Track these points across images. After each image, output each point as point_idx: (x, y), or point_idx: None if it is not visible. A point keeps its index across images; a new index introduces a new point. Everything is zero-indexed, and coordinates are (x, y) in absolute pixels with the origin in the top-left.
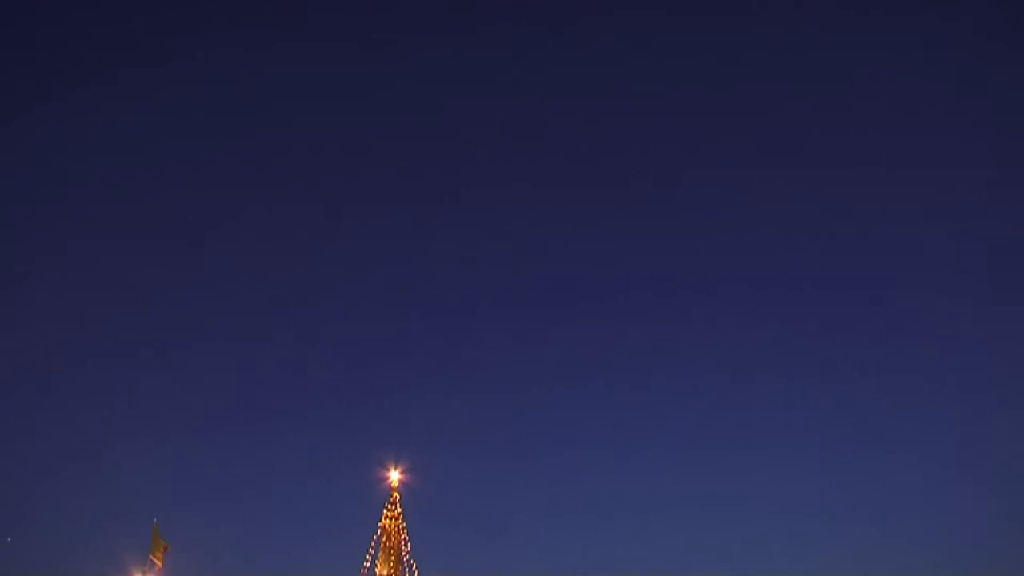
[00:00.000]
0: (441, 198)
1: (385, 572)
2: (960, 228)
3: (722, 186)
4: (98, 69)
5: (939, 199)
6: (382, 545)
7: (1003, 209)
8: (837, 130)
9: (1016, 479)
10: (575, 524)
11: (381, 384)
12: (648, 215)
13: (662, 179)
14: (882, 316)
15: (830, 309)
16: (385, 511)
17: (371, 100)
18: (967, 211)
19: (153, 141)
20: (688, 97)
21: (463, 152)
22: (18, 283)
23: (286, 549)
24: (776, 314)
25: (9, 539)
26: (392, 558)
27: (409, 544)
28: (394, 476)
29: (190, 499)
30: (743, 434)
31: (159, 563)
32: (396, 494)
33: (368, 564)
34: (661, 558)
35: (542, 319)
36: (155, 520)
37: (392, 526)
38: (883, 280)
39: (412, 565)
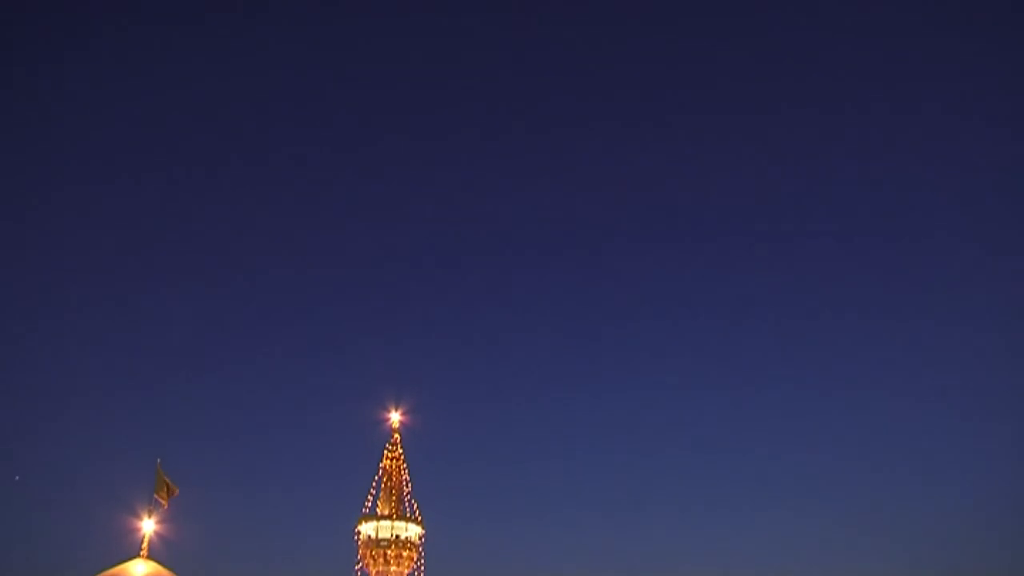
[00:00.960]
0: (443, 136)
1: (387, 511)
2: None
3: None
4: None
5: None
6: (383, 485)
7: None
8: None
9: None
10: (574, 464)
11: (382, 326)
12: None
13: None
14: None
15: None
16: (386, 452)
17: None
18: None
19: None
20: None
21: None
22: (24, 232)
23: (289, 489)
24: None
25: (18, 478)
26: (393, 498)
27: (410, 484)
28: (395, 417)
29: (193, 440)
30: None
31: (165, 503)
32: (397, 435)
33: (370, 504)
34: (662, 498)
35: (543, 266)
36: (158, 460)
37: (393, 466)
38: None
39: (413, 504)
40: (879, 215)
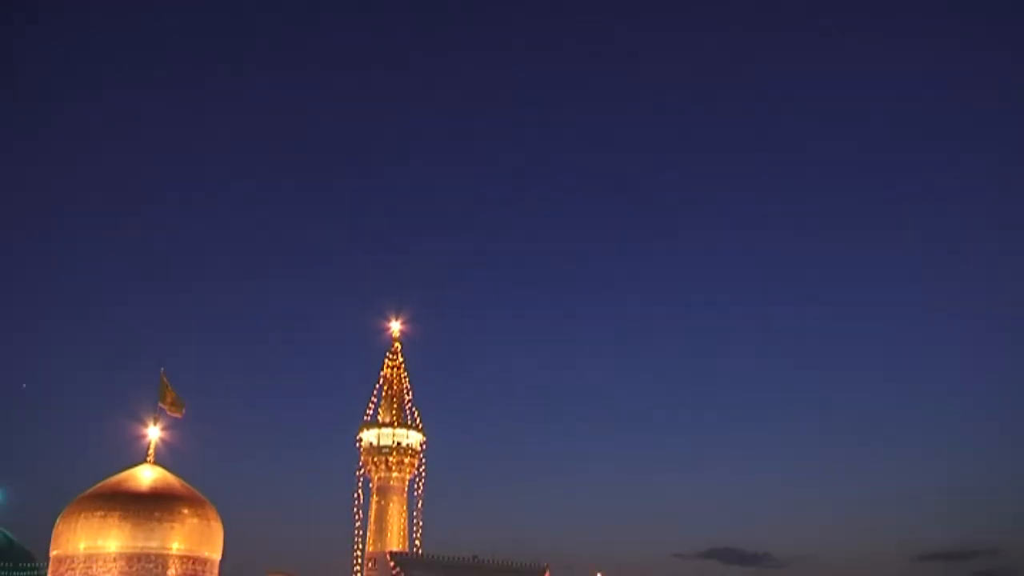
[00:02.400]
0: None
1: (388, 419)
2: None
3: None
4: None
5: None
6: (384, 393)
7: None
8: None
9: None
10: (574, 372)
11: (383, 234)
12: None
13: None
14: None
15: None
16: (387, 360)
17: None
18: None
19: None
20: None
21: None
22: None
23: (291, 398)
24: None
25: (25, 386)
26: (394, 406)
27: (411, 392)
28: (395, 326)
29: (198, 351)
30: None
31: (169, 411)
32: (397, 344)
33: (371, 411)
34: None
35: (543, 177)
36: (162, 369)
37: (393, 375)
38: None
39: (414, 412)
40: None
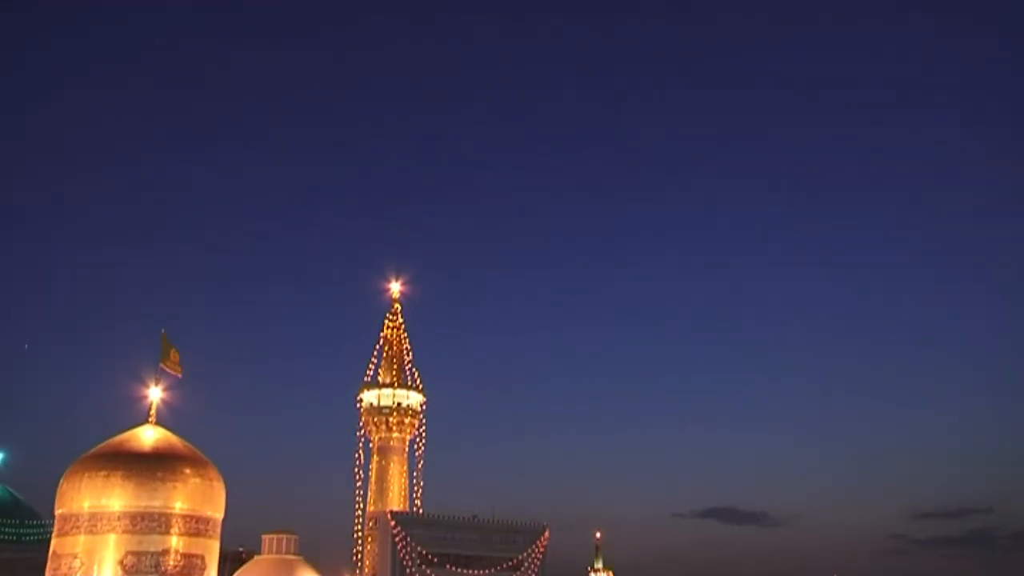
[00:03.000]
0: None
1: (388, 380)
2: None
3: None
4: None
5: None
6: (384, 354)
7: None
8: None
9: None
10: (573, 334)
11: (383, 196)
12: None
13: None
14: None
15: None
16: (387, 321)
17: None
18: None
19: None
20: None
21: None
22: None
23: (293, 359)
24: None
25: (27, 346)
26: (394, 366)
27: (411, 353)
28: (395, 287)
29: (199, 312)
30: None
31: (171, 371)
32: (397, 305)
33: (371, 372)
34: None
35: (542, 140)
36: (163, 329)
37: (394, 335)
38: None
39: (414, 373)
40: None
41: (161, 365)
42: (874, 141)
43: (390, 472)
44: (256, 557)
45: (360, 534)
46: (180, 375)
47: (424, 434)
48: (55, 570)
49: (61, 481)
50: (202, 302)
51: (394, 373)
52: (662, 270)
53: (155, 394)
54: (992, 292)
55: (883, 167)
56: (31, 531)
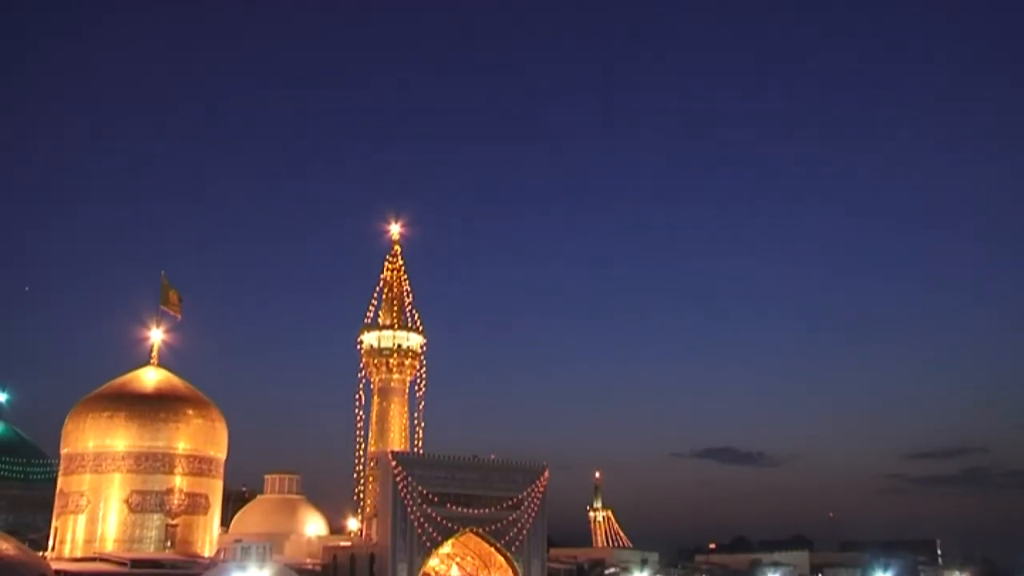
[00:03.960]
0: None
1: (388, 321)
2: None
3: None
4: None
5: None
6: (384, 296)
7: None
8: None
9: None
10: (572, 277)
11: (384, 138)
12: None
13: None
14: None
15: None
16: (387, 263)
17: None
18: None
19: None
20: None
21: None
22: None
23: (293, 301)
24: None
25: (27, 288)
26: (395, 308)
27: (411, 294)
28: (394, 229)
29: (199, 255)
30: None
31: (171, 313)
32: (397, 246)
33: (371, 314)
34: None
35: (541, 78)
36: (163, 271)
37: (393, 277)
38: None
39: (414, 314)
40: None
41: (162, 307)
42: (872, 83)
43: (391, 413)
44: (259, 496)
45: (361, 474)
46: (179, 317)
47: (424, 375)
48: (63, 507)
49: (65, 421)
50: (203, 245)
51: (394, 315)
52: (660, 214)
53: (156, 336)
54: (991, 238)
55: (883, 112)
56: (38, 470)
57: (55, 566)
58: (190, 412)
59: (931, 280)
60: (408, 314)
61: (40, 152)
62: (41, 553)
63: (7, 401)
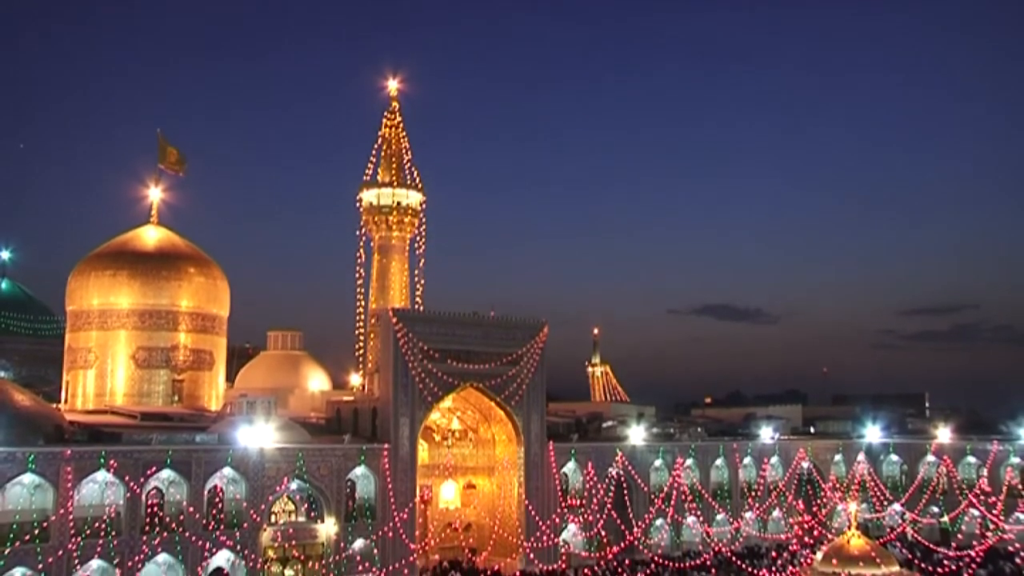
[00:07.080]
0: None
1: (387, 179)
2: None
3: None
4: None
5: None
6: (383, 153)
7: None
8: None
9: None
10: (570, 134)
11: None
12: None
13: None
14: None
15: None
16: (385, 120)
17: None
18: None
19: None
20: None
21: None
22: None
23: (293, 160)
24: None
25: (22, 146)
26: (394, 165)
27: (410, 152)
28: (392, 84)
29: (197, 115)
30: None
31: (170, 171)
32: (395, 103)
33: (370, 172)
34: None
35: None
36: (159, 129)
37: (392, 134)
38: None
39: (414, 172)
40: None
41: (160, 165)
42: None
43: (391, 270)
44: (262, 352)
45: (363, 330)
46: (181, 174)
47: (424, 233)
48: (72, 362)
49: (69, 279)
50: (202, 105)
51: (393, 172)
52: (661, 76)
53: (155, 194)
54: (989, 103)
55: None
56: (46, 326)
57: (68, 417)
58: (192, 270)
59: (925, 138)
60: (407, 171)
61: (35, 11)
62: (55, 405)
63: (10, 259)
